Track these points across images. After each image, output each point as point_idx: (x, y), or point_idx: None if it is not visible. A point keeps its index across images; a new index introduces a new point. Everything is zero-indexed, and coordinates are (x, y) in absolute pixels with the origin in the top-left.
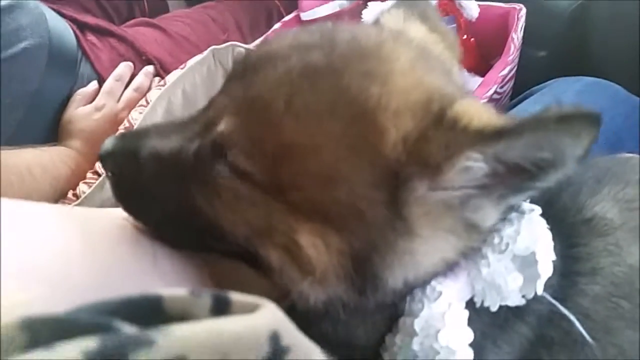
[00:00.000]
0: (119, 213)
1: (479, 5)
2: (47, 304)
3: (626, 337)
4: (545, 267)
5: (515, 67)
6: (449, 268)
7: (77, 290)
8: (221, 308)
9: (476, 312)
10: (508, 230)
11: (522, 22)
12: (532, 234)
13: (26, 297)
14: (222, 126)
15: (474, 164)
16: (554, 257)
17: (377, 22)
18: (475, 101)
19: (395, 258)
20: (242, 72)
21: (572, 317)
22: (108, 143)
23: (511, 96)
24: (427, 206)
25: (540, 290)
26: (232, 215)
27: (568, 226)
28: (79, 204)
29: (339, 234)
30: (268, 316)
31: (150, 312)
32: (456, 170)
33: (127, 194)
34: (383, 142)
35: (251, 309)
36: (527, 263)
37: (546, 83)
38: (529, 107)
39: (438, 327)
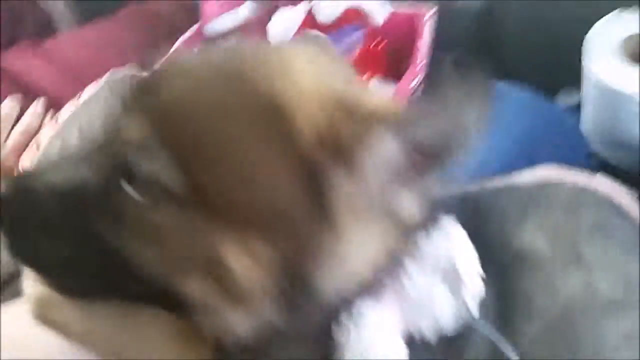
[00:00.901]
0: None
1: (387, 12)
2: None
3: None
4: (471, 276)
5: (424, 73)
6: (374, 286)
7: None
8: None
9: (417, 355)
10: (425, 241)
11: (428, 27)
12: (448, 241)
13: None
14: (130, 134)
15: (384, 145)
16: (480, 271)
17: None
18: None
19: (324, 260)
20: (148, 88)
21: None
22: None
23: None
24: (348, 199)
25: (473, 308)
26: (146, 248)
27: (498, 262)
28: None
29: (266, 241)
30: None
31: None
32: (369, 154)
33: (23, 243)
34: (295, 136)
35: None
36: (450, 274)
37: None
38: None
39: (368, 355)
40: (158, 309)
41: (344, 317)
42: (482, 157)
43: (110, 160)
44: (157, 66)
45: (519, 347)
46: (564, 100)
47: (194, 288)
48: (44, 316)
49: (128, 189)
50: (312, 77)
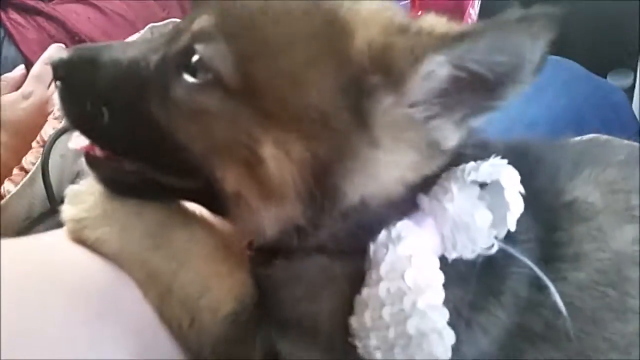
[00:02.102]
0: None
1: None
2: None
3: (616, 329)
4: (513, 197)
5: None
6: (411, 209)
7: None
8: None
9: (450, 283)
10: (471, 163)
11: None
12: (494, 165)
13: None
14: (196, 25)
15: (437, 70)
16: (522, 190)
17: None
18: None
19: (356, 166)
20: None
21: (549, 284)
22: (63, 52)
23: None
24: (390, 117)
25: (512, 226)
26: (191, 127)
27: (547, 210)
28: (5, 204)
29: (302, 141)
30: None
31: None
32: (419, 77)
33: (76, 103)
34: (350, 46)
35: None
36: (492, 193)
37: None
38: None
39: (404, 268)
40: (195, 218)
41: (382, 236)
42: (531, 120)
43: (175, 45)
44: None
45: (563, 295)
46: (614, 80)
47: (230, 176)
48: (80, 236)
49: (185, 72)
50: (378, 5)
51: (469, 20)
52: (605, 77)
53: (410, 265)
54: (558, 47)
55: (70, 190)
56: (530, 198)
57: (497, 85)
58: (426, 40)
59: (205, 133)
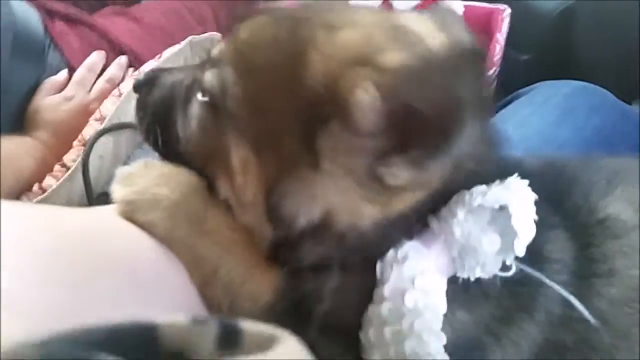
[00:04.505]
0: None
1: (463, 5)
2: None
3: None
4: (522, 223)
5: (499, 70)
6: (415, 231)
7: (49, 315)
8: (229, 338)
9: (475, 301)
10: (480, 187)
11: (506, 23)
12: (505, 188)
13: None
14: (213, 53)
15: (375, 102)
16: (535, 217)
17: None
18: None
19: (297, 186)
20: (234, 28)
21: (574, 300)
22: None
23: (494, 99)
24: (334, 142)
25: (520, 252)
26: (196, 138)
27: (580, 226)
28: (45, 197)
29: (258, 159)
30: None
31: (143, 343)
32: (363, 108)
33: (142, 115)
34: (306, 75)
35: (265, 340)
36: (500, 220)
37: (532, 86)
38: (519, 110)
39: (405, 289)
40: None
41: (389, 256)
42: (561, 143)
43: (196, 72)
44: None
45: (597, 311)
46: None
47: (219, 180)
48: (130, 217)
49: (199, 91)
50: (349, 35)
51: (497, 46)
52: (630, 104)
53: (413, 287)
54: (583, 74)
55: (121, 171)
56: (565, 215)
57: (439, 123)
58: (364, 71)
59: (203, 144)
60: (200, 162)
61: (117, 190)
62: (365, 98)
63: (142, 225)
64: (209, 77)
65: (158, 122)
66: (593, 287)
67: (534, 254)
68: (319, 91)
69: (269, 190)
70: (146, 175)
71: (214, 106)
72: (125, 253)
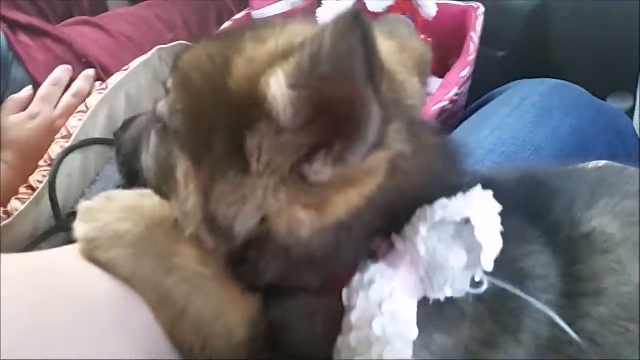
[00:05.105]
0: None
1: (437, 4)
2: None
3: None
4: (486, 235)
5: (473, 68)
6: (381, 245)
7: None
8: None
9: (453, 322)
10: (441, 200)
11: (480, 21)
12: (467, 200)
13: None
14: (168, 83)
15: (285, 93)
16: (500, 228)
17: None
18: None
19: (227, 189)
20: (177, 56)
21: (557, 319)
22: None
23: (468, 98)
24: (260, 142)
25: (488, 266)
26: (153, 163)
27: (564, 241)
28: (11, 222)
29: (195, 168)
30: None
31: None
32: (281, 102)
33: (117, 157)
34: (231, 81)
35: None
36: (465, 234)
37: (508, 85)
38: (495, 109)
39: (373, 316)
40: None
41: (355, 281)
42: (538, 146)
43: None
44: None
45: (585, 332)
46: (614, 103)
47: (171, 199)
48: (92, 256)
49: (154, 127)
50: (275, 41)
51: (471, 45)
52: (605, 100)
53: (381, 312)
54: (558, 71)
55: (82, 206)
56: (547, 229)
57: (347, 110)
58: (284, 67)
59: (158, 168)
60: (159, 187)
61: (79, 227)
62: (280, 89)
63: (103, 265)
64: (162, 104)
65: (130, 159)
66: (582, 307)
67: (514, 271)
68: (243, 94)
69: (206, 197)
70: (108, 210)
71: (164, 129)
72: (82, 297)
